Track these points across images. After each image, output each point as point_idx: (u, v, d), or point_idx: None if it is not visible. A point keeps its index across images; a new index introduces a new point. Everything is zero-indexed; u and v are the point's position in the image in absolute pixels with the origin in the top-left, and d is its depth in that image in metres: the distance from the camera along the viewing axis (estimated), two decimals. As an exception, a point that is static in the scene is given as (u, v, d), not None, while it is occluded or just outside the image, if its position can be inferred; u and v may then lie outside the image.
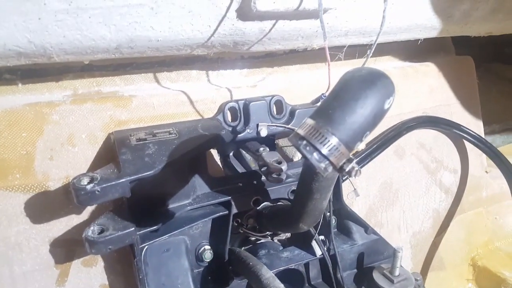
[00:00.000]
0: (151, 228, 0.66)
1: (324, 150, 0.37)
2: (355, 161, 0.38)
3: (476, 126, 1.14)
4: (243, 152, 0.90)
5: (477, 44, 1.48)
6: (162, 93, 0.78)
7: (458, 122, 1.06)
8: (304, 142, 0.38)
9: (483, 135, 1.14)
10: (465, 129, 1.05)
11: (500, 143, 1.41)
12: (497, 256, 1.20)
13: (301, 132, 0.39)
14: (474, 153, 1.15)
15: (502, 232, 1.24)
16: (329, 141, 0.37)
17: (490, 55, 1.81)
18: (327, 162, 0.37)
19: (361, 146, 0.39)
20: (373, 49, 0.52)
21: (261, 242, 0.84)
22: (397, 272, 0.79)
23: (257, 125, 0.78)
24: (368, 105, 0.38)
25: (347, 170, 0.38)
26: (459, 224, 1.16)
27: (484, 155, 1.16)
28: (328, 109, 0.38)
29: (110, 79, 0.77)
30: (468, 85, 1.13)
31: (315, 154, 0.37)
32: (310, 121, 0.39)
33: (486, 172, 1.20)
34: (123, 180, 0.58)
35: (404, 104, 1.02)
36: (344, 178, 0.90)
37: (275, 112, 0.80)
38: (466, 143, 1.12)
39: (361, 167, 0.95)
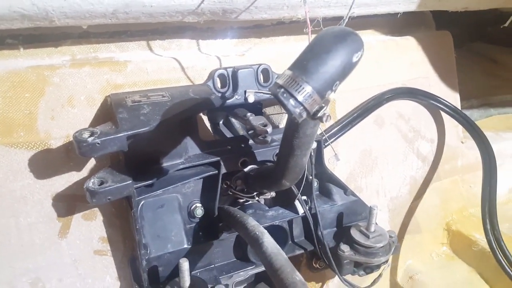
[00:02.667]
0: (146, 182, 0.72)
1: (300, 97, 0.43)
2: (325, 108, 0.44)
3: (453, 98, 1.21)
4: (232, 120, 0.95)
5: (461, 24, 1.54)
6: (155, 59, 0.82)
7: (435, 94, 1.12)
8: (282, 90, 0.43)
9: (459, 107, 1.20)
10: (442, 100, 1.11)
11: (477, 117, 1.48)
12: (470, 221, 1.27)
13: (279, 81, 0.44)
14: (451, 124, 1.21)
15: (476, 199, 1.30)
16: (303, 88, 0.43)
17: (473, 34, 1.87)
18: (301, 107, 0.43)
19: (332, 96, 0.44)
20: (348, 14, 0.57)
21: (249, 203, 0.90)
22: (372, 228, 0.85)
23: (245, 92, 0.83)
24: (338, 57, 0.44)
25: (319, 115, 0.44)
26: (435, 191, 1.23)
27: (460, 126, 1.22)
28: (303, 61, 0.44)
29: (106, 46, 0.81)
30: (446, 59, 1.19)
31: (291, 101, 0.43)
32: (288, 72, 0.44)
33: (462, 142, 1.27)
34: (121, 134, 0.63)
35: (384, 75, 1.07)
36: (325, 144, 0.96)
37: (262, 80, 0.85)
38: (443, 115, 1.18)
39: (342, 134, 1.01)
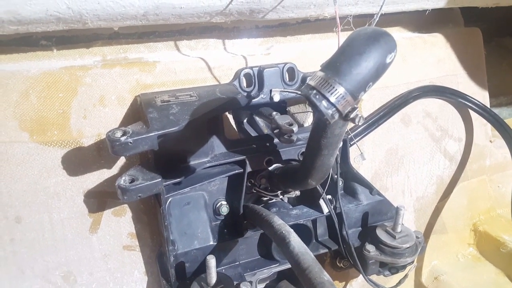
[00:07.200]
0: (175, 180, 0.73)
1: (332, 98, 0.43)
2: (358, 109, 0.44)
3: (481, 96, 1.18)
4: (257, 118, 0.96)
5: (489, 19, 1.49)
6: (183, 60, 0.83)
7: (463, 92, 1.09)
8: (314, 91, 0.43)
9: (488, 105, 1.17)
10: (470, 98, 1.09)
11: (506, 115, 1.44)
12: (498, 222, 1.24)
13: (312, 82, 0.44)
14: (479, 123, 1.18)
15: (504, 200, 1.27)
16: (336, 90, 0.43)
17: (502, 29, 1.81)
18: (334, 109, 0.43)
19: (364, 96, 0.44)
20: (379, 13, 0.56)
21: (273, 202, 0.90)
22: (399, 229, 0.84)
23: (271, 91, 0.83)
24: (371, 58, 0.44)
25: (351, 117, 0.44)
26: (462, 190, 1.20)
27: (488, 125, 1.19)
28: (336, 62, 0.44)
29: (135, 47, 0.83)
30: (475, 56, 1.16)
31: (324, 102, 0.43)
32: (320, 73, 0.44)
33: (491, 141, 1.23)
34: (152, 134, 0.64)
35: (411, 73, 1.06)
36: (351, 143, 0.95)
37: (287, 79, 0.85)
38: (471, 113, 1.15)
39: (368, 133, 1.00)
